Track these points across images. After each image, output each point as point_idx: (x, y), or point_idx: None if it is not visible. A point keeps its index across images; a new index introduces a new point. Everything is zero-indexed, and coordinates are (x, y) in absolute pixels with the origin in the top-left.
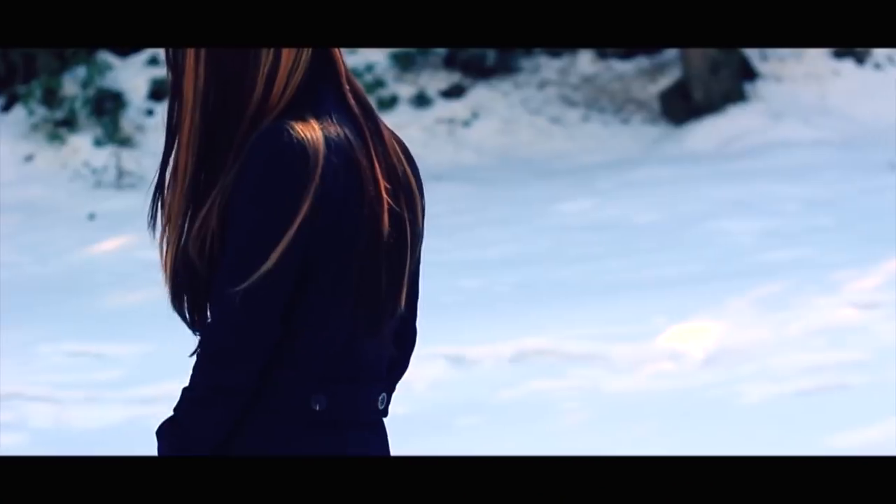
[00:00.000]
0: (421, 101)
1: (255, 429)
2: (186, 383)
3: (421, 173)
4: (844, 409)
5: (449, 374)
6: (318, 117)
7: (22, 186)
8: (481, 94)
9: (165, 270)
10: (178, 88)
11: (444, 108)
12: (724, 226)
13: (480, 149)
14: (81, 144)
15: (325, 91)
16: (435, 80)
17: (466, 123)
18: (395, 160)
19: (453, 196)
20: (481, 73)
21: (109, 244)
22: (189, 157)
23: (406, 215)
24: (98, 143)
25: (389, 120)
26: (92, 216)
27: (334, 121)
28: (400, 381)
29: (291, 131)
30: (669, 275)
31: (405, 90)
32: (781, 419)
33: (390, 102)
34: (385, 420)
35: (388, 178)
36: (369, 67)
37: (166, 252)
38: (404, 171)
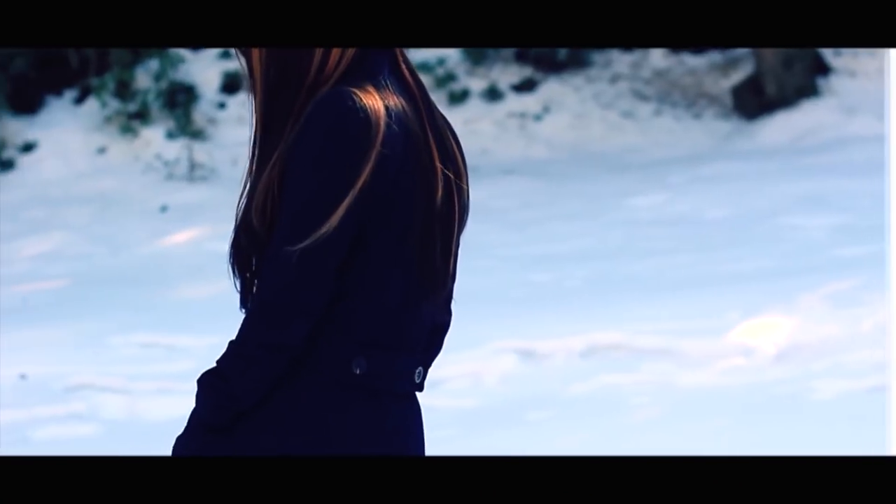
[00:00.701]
0: (492, 95)
1: (295, 387)
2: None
3: (492, 167)
4: None
5: (519, 368)
6: (376, 86)
7: (95, 178)
8: (553, 88)
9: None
10: (250, 68)
11: (515, 102)
12: (797, 221)
13: (551, 143)
14: (154, 137)
15: (381, 60)
16: (506, 74)
17: (538, 118)
18: (444, 131)
19: (524, 190)
20: (553, 67)
21: (181, 236)
22: (258, 128)
23: (454, 186)
24: (170, 135)
25: (461, 114)
26: (164, 208)
27: (391, 89)
28: (468, 374)
29: (354, 97)
30: (741, 270)
31: (476, 84)
32: (853, 416)
33: (462, 96)
34: (455, 413)
35: (438, 148)
36: (441, 61)
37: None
38: (451, 143)
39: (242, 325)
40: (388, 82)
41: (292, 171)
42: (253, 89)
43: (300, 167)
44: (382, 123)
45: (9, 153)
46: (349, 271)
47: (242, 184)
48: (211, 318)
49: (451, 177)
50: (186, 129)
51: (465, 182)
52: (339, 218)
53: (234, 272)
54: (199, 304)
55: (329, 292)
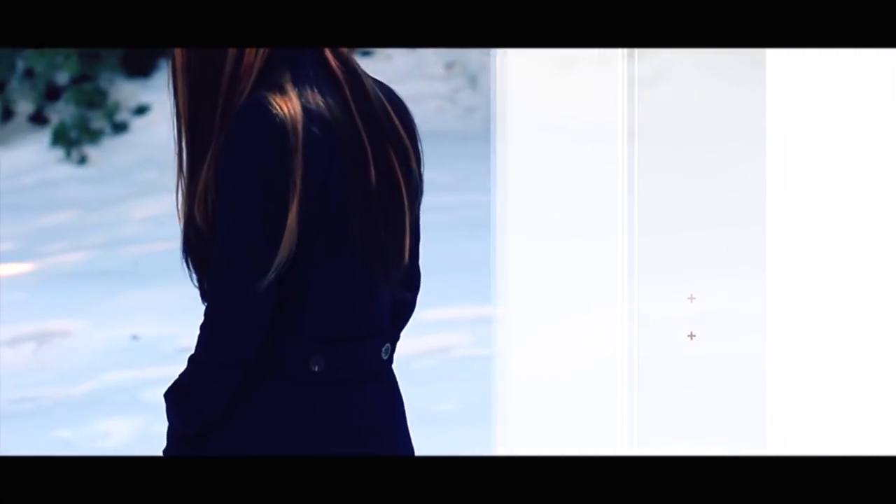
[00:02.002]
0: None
1: (261, 392)
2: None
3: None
4: None
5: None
6: (295, 79)
7: None
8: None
9: (181, 234)
10: (172, 64)
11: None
12: None
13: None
14: None
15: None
16: None
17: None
18: (378, 111)
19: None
20: None
21: None
22: (184, 127)
23: (398, 166)
24: None
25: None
26: None
27: (311, 80)
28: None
29: (271, 109)
30: None
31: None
32: None
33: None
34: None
35: (370, 130)
36: None
37: (180, 218)
38: (391, 122)
39: (198, 341)
40: (310, 72)
41: (220, 184)
42: (175, 87)
43: (225, 185)
44: (301, 130)
45: (122, 116)
46: (295, 273)
47: (175, 181)
48: None
49: (391, 156)
50: None
51: (412, 158)
52: (291, 241)
53: (188, 268)
54: None
55: (274, 301)
